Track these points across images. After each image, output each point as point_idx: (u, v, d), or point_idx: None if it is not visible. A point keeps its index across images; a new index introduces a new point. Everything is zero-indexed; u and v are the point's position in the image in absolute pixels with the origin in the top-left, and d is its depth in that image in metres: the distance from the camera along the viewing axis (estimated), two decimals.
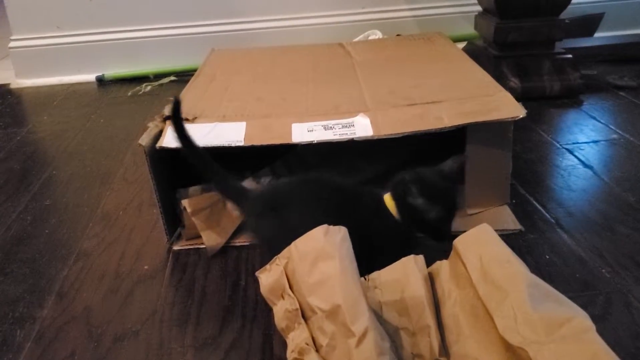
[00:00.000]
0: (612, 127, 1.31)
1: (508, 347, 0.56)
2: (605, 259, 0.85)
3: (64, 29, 1.92)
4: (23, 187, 1.21)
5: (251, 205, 0.82)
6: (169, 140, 0.90)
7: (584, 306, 0.59)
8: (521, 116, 0.88)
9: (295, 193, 0.80)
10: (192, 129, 0.92)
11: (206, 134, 0.91)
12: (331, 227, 0.64)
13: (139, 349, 0.74)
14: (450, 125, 0.88)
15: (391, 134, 0.88)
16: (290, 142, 0.89)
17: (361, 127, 0.90)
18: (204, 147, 0.88)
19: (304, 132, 0.91)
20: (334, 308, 0.59)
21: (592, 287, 0.80)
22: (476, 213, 0.97)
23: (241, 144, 0.89)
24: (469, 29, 1.78)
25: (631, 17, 1.98)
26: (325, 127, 0.91)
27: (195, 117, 0.95)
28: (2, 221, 1.07)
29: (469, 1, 1.80)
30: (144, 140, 0.88)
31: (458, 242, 0.69)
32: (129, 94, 1.79)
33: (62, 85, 1.92)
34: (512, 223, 0.94)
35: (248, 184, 1.01)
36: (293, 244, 0.65)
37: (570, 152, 1.20)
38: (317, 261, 0.62)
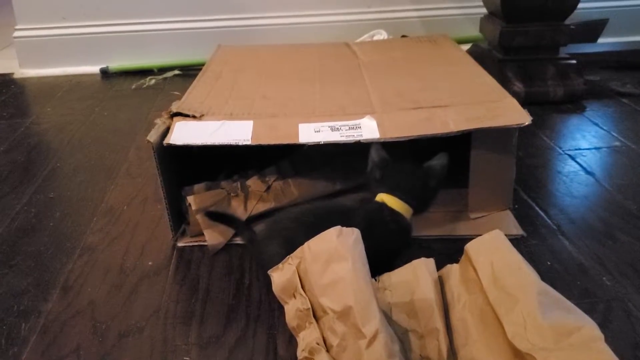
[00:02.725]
0: (615, 134, 1.31)
1: (516, 353, 0.57)
2: (606, 266, 0.86)
3: (70, 19, 1.92)
4: (27, 179, 1.21)
5: (262, 246, 0.84)
6: (176, 137, 0.90)
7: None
8: (527, 123, 0.89)
9: (301, 222, 0.82)
10: (199, 126, 0.93)
11: (213, 131, 0.92)
12: (344, 228, 0.65)
13: (144, 346, 0.75)
14: (456, 130, 0.89)
15: (398, 137, 0.89)
16: (297, 142, 0.90)
17: (368, 130, 0.91)
18: (210, 145, 0.89)
19: (310, 133, 0.91)
20: (345, 309, 0.60)
21: (593, 294, 0.80)
22: (479, 217, 0.98)
23: (248, 142, 0.89)
24: (474, 31, 1.79)
25: (635, 23, 1.99)
26: (332, 128, 0.91)
27: (202, 115, 0.96)
28: (7, 213, 1.08)
29: (475, 3, 1.80)
30: (152, 136, 0.89)
31: (469, 246, 0.69)
32: (133, 87, 1.79)
33: (66, 76, 1.92)
34: (514, 228, 0.95)
35: (253, 182, 1.01)
36: (306, 244, 0.66)
37: (573, 158, 1.21)
38: (329, 262, 0.63)
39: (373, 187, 0.86)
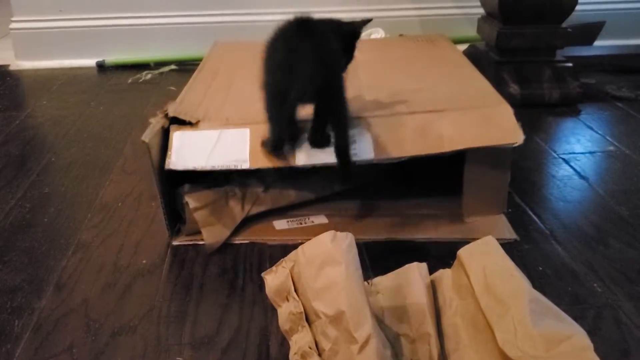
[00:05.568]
0: (609, 139, 1.32)
1: (506, 359, 0.58)
2: (597, 273, 0.87)
3: (67, 12, 1.91)
4: (22, 173, 1.21)
5: None
6: (176, 159, 0.90)
7: (574, 320, 0.61)
8: (519, 143, 0.90)
9: None
10: (196, 139, 0.93)
11: (211, 149, 0.91)
12: (338, 233, 0.66)
13: (137, 345, 0.75)
14: (450, 150, 0.90)
15: (392, 158, 0.90)
16: (294, 164, 0.91)
17: (364, 147, 0.91)
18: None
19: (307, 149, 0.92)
20: (338, 314, 0.60)
21: (583, 301, 0.81)
22: (472, 221, 0.99)
23: (247, 166, 0.90)
24: (471, 32, 1.79)
25: (632, 26, 2.00)
26: None
27: (199, 120, 0.95)
28: (1, 208, 1.08)
29: (473, 3, 1.80)
30: (147, 136, 0.88)
31: (462, 252, 0.70)
32: (129, 81, 1.79)
33: (62, 69, 1.92)
34: (507, 232, 0.96)
35: (251, 182, 1.01)
36: (300, 248, 0.66)
37: (567, 162, 1.22)
38: (323, 266, 0.64)
39: None
